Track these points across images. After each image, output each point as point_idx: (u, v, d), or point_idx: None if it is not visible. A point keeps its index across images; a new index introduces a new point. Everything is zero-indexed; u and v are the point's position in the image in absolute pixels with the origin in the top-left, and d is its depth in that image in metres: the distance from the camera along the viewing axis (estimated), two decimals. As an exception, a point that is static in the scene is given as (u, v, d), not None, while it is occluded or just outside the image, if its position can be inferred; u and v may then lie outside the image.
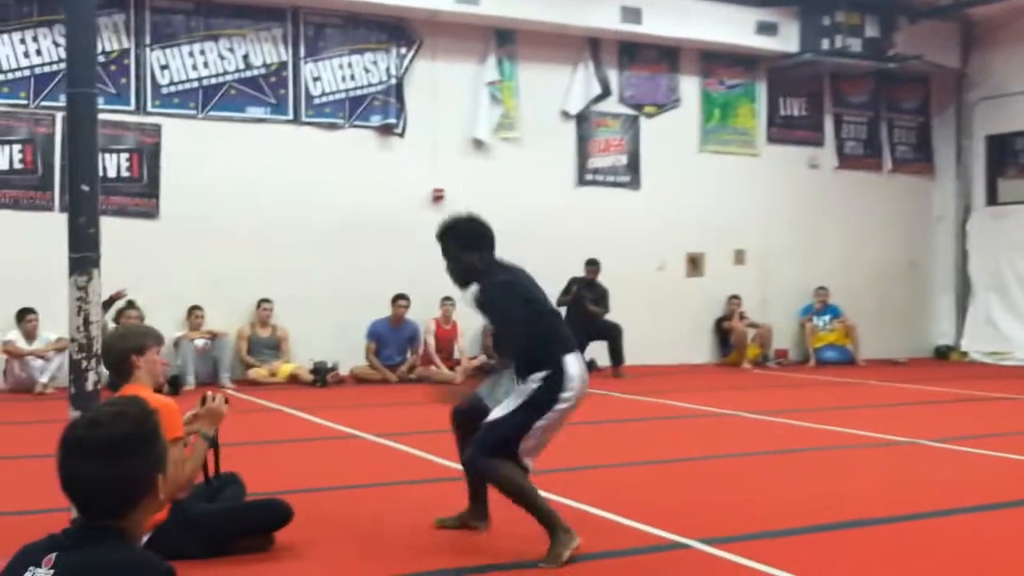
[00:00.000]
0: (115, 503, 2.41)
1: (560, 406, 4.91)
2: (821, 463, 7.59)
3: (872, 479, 6.92)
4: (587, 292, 13.70)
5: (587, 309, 13.46)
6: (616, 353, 13.63)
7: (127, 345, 4.80)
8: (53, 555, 2.38)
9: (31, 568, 2.38)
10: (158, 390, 5.23)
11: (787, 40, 15.17)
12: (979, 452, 7.93)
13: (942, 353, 16.79)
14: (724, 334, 15.41)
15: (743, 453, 7.91)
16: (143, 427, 2.46)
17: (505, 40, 14.13)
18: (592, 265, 13.93)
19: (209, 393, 4.98)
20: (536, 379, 4.90)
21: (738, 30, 14.93)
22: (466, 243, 5.16)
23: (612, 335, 13.65)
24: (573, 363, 4.98)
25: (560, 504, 5.39)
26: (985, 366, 15.67)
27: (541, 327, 5.02)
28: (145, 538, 4.30)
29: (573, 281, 13.71)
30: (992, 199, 16.69)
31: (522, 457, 4.88)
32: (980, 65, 16.50)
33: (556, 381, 4.90)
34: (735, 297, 15.34)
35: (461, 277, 5.21)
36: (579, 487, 6.18)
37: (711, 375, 14.14)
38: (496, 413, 4.94)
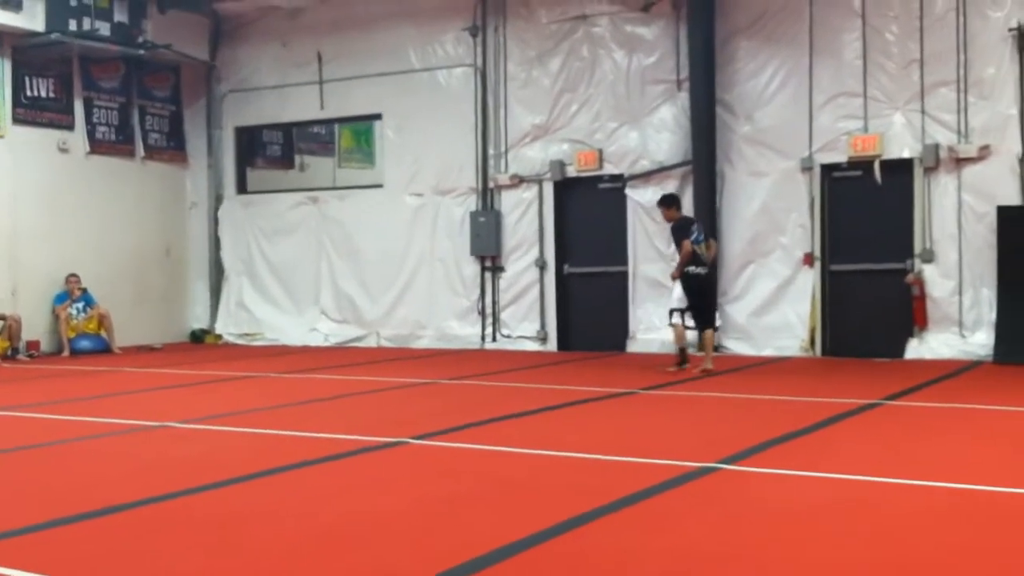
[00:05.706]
0: None
1: None
2: (74, 455, 7.43)
3: (122, 464, 6.93)
4: None
5: None
6: None
7: None
8: None
9: None
10: None
11: (32, 18, 14.52)
12: (224, 429, 8.31)
13: (198, 337, 17.28)
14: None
15: (-11, 451, 7.50)
16: None
17: None
18: None
19: None
20: None
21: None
22: None
23: None
24: None
25: None
26: (238, 347, 16.43)
27: None
28: None
29: None
30: (242, 188, 17.48)
31: None
32: (228, 58, 17.17)
33: None
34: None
35: None
36: None
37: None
38: None
